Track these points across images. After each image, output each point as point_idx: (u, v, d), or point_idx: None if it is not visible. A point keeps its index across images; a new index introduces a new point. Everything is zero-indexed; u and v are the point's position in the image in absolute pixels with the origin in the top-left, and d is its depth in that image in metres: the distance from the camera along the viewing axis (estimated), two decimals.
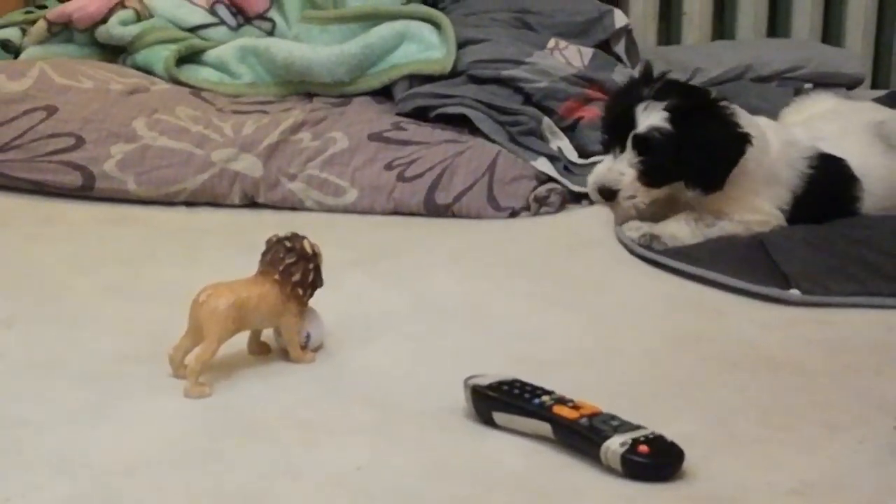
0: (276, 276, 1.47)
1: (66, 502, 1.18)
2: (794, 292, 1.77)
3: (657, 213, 2.00)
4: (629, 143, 1.95)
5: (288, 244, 1.49)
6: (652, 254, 1.90)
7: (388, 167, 2.20)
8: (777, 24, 3.27)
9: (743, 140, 1.94)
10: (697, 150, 1.92)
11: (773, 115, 2.28)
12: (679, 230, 1.96)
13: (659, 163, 1.94)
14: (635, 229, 1.95)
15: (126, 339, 1.57)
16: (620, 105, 2.00)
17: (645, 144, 1.94)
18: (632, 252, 1.92)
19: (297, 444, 1.30)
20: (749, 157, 1.97)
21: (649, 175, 1.96)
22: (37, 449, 1.28)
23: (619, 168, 1.96)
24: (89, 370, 1.47)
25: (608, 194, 1.97)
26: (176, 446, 1.29)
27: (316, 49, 2.44)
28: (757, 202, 2.00)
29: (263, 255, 1.50)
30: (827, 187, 2.04)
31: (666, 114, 1.92)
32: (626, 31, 2.72)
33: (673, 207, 2.01)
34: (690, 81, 2.76)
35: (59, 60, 2.46)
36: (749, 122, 1.99)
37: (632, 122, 1.94)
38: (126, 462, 1.25)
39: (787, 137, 2.07)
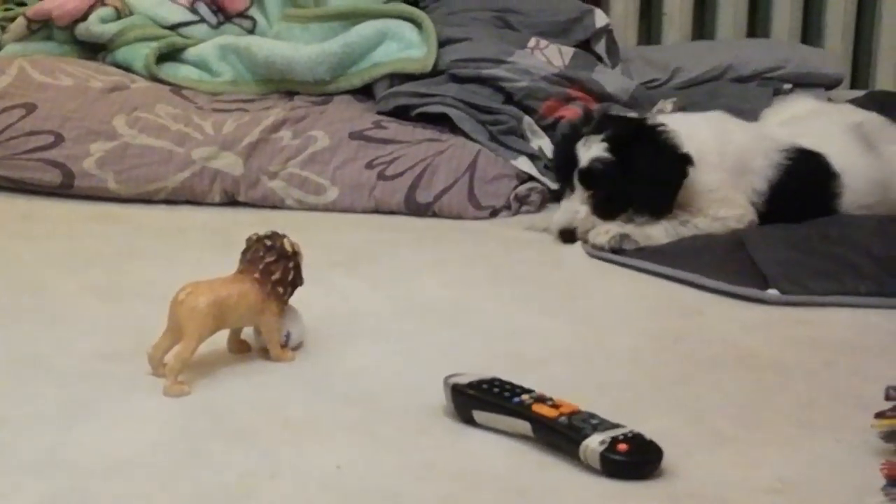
0: (256, 275, 1.47)
1: (44, 503, 1.18)
2: (773, 292, 1.77)
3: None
4: (576, 180, 1.97)
5: (268, 243, 1.49)
6: (623, 258, 1.90)
7: (369, 166, 2.20)
8: (757, 24, 3.28)
9: (683, 161, 1.96)
10: (640, 176, 1.94)
11: (753, 115, 2.29)
12: (653, 229, 1.96)
13: (607, 192, 1.96)
14: (604, 233, 1.94)
15: (106, 337, 1.56)
16: (564, 148, 2.03)
17: (590, 177, 1.96)
18: (603, 259, 1.92)
19: (279, 444, 1.29)
20: (709, 151, 1.98)
21: (601, 207, 1.97)
22: (16, 448, 1.27)
23: (573, 207, 1.99)
24: (69, 369, 1.47)
25: (568, 235, 1.98)
26: (156, 446, 1.28)
27: (297, 47, 2.44)
28: (730, 194, 2.01)
29: (243, 253, 1.50)
30: (805, 180, 2.05)
31: (604, 144, 1.95)
32: (607, 31, 2.73)
33: None
34: (670, 81, 2.78)
35: (39, 58, 2.45)
36: (693, 136, 1.99)
37: (575, 160, 1.97)
38: (106, 462, 1.24)
39: (759, 130, 2.09)
